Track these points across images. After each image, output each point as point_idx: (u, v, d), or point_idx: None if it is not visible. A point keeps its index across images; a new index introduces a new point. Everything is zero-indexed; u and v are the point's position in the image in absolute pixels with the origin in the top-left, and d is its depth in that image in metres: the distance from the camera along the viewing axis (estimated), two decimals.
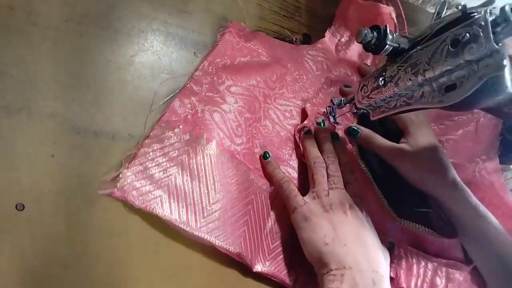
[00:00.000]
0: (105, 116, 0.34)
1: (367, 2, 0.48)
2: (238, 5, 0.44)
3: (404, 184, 0.44)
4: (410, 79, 0.31)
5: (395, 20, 0.46)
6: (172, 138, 0.35)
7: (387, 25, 0.32)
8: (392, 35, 0.32)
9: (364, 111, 0.39)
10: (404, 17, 0.44)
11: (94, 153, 0.33)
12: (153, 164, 0.34)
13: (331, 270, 0.32)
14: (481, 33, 0.25)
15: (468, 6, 0.27)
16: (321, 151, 0.40)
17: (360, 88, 0.38)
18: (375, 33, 0.32)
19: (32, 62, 0.33)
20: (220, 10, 0.43)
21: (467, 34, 0.26)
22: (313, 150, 0.40)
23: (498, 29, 0.25)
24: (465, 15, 0.27)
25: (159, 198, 0.33)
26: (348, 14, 0.49)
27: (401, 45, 0.32)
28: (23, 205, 0.30)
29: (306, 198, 0.37)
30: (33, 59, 0.33)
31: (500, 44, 0.25)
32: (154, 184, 0.33)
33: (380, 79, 0.35)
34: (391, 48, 0.32)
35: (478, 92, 0.26)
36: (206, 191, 0.35)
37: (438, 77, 0.29)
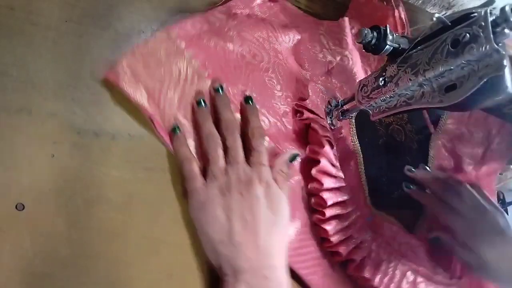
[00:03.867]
0: (105, 116, 0.34)
1: (380, 3, 0.48)
2: None
3: (396, 176, 0.44)
4: (410, 79, 0.31)
5: (404, 21, 0.47)
6: (171, 48, 0.37)
7: (388, 25, 0.32)
8: (392, 35, 0.32)
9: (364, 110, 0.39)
10: (408, 18, 0.45)
11: (94, 153, 0.33)
12: (149, 61, 0.36)
13: (226, 275, 0.32)
14: (481, 33, 0.25)
15: (468, 6, 0.27)
16: (219, 123, 0.36)
17: (360, 88, 0.38)
18: (375, 33, 0.32)
19: (32, 62, 0.33)
20: None
21: (467, 34, 0.26)
22: (206, 124, 0.35)
23: (498, 29, 0.25)
24: (465, 15, 0.27)
25: (146, 92, 0.35)
26: (361, 9, 0.50)
27: (401, 45, 0.32)
28: (23, 205, 0.30)
29: (207, 180, 0.34)
30: (33, 59, 0.33)
31: (500, 44, 0.25)
32: (146, 79, 0.35)
33: (380, 79, 0.35)
34: (391, 48, 0.32)
35: (478, 92, 0.26)
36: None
37: (438, 77, 0.29)
